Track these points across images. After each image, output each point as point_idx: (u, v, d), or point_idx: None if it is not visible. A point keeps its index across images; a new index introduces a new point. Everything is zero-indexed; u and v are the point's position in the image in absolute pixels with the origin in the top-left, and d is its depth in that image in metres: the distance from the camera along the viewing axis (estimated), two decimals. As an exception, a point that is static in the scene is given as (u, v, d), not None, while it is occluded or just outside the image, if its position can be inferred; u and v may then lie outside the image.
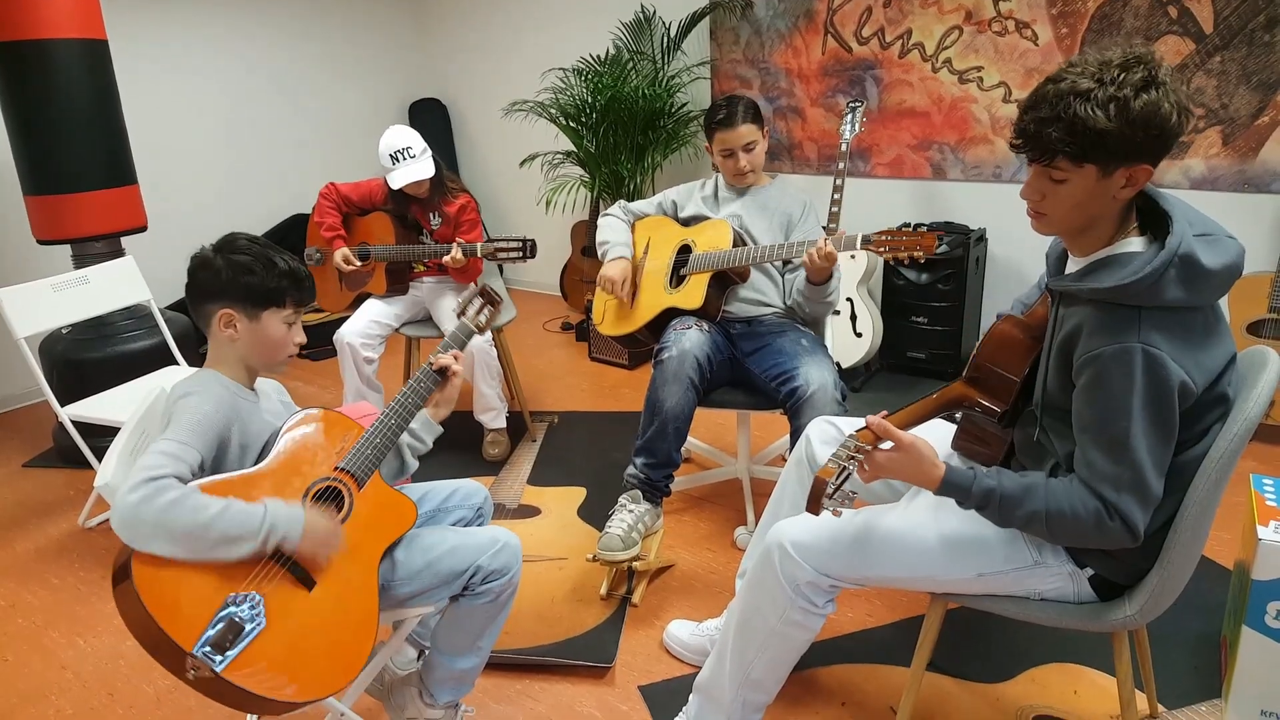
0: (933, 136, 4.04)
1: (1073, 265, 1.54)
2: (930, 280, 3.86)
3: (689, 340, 2.54)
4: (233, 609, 1.41)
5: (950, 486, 1.52)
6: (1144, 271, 1.36)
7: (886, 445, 1.56)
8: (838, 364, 2.57)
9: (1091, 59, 1.36)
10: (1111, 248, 1.47)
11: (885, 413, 1.65)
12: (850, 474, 1.52)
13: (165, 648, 1.35)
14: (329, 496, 1.65)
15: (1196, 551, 1.52)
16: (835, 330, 3.95)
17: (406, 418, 1.79)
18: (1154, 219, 1.47)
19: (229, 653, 1.37)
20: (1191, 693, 2.07)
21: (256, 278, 1.66)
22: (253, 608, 1.43)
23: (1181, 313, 1.39)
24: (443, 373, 1.87)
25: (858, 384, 4.01)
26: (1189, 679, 2.11)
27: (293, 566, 1.52)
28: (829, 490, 1.49)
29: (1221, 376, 1.44)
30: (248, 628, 1.41)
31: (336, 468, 1.68)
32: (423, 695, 1.88)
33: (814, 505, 1.50)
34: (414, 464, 1.90)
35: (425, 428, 1.91)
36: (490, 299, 1.99)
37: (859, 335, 3.93)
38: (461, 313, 1.97)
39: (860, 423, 1.90)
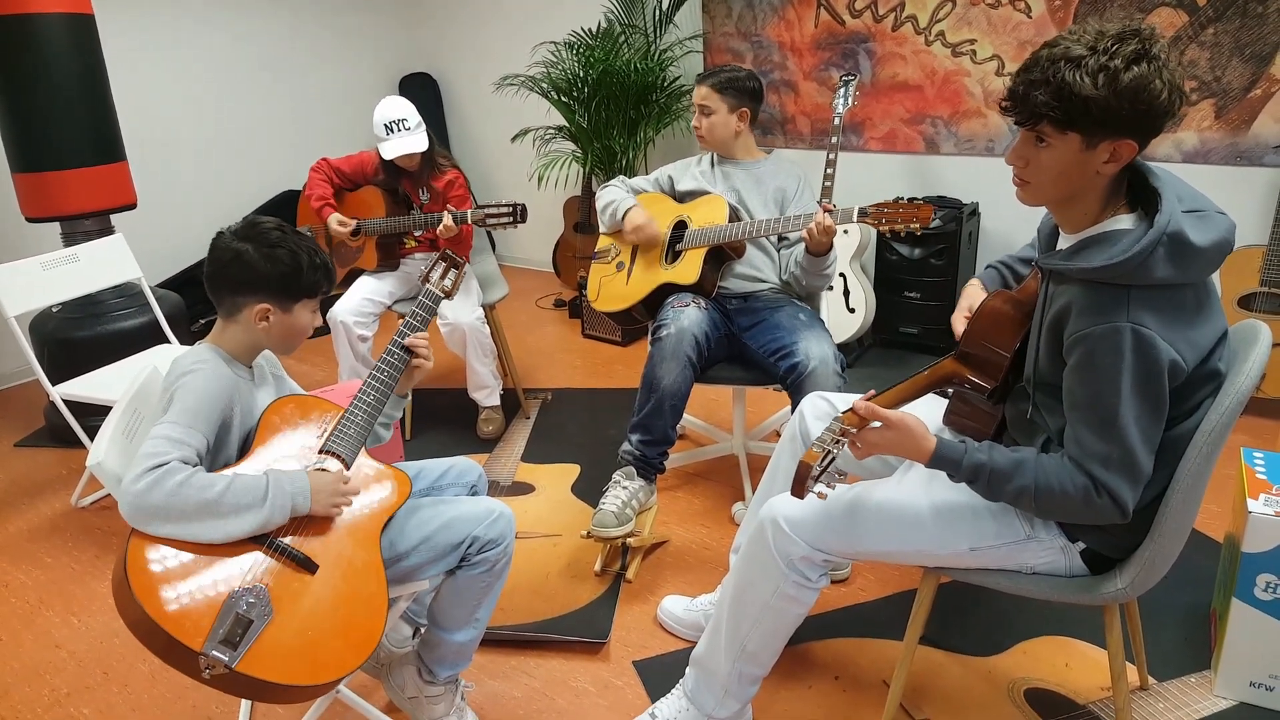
0: (926, 110, 4.02)
1: (1063, 242, 1.54)
2: (923, 255, 3.85)
3: (687, 318, 2.53)
4: (236, 603, 1.41)
5: (941, 460, 1.53)
6: (1132, 251, 1.36)
7: (876, 424, 1.56)
8: (831, 339, 2.57)
9: (1090, 28, 1.35)
10: (1100, 225, 1.46)
11: (872, 392, 1.64)
12: (835, 458, 1.52)
13: (176, 651, 1.36)
14: None
15: (1187, 525, 1.53)
16: (829, 305, 3.94)
17: (384, 394, 1.80)
18: (1144, 195, 1.46)
19: (240, 647, 1.37)
20: (1182, 664, 2.09)
21: (296, 274, 1.68)
22: (257, 599, 1.43)
23: (1171, 290, 1.39)
24: (410, 351, 1.87)
25: (851, 359, 4.01)
26: (1179, 651, 2.13)
27: (292, 553, 1.52)
28: (814, 473, 1.49)
29: (1213, 352, 1.44)
30: (255, 620, 1.41)
31: (322, 449, 1.69)
32: (422, 673, 1.90)
33: (798, 489, 1.49)
34: (386, 435, 1.92)
35: (392, 403, 1.92)
36: (453, 262, 1.99)
37: (852, 310, 3.93)
38: (425, 279, 1.97)
39: (851, 400, 1.90)
